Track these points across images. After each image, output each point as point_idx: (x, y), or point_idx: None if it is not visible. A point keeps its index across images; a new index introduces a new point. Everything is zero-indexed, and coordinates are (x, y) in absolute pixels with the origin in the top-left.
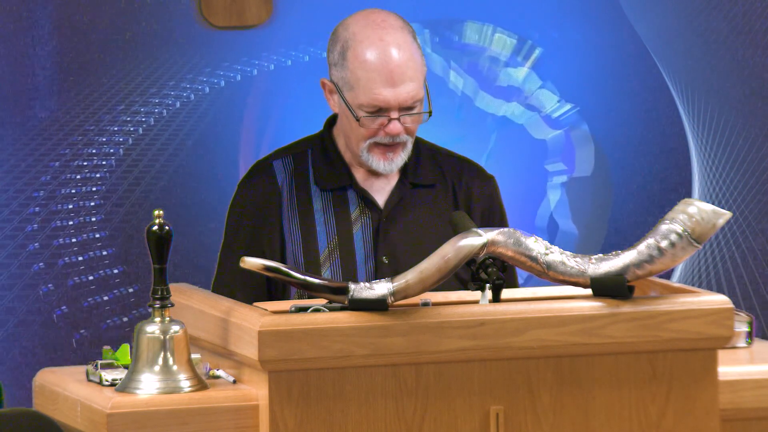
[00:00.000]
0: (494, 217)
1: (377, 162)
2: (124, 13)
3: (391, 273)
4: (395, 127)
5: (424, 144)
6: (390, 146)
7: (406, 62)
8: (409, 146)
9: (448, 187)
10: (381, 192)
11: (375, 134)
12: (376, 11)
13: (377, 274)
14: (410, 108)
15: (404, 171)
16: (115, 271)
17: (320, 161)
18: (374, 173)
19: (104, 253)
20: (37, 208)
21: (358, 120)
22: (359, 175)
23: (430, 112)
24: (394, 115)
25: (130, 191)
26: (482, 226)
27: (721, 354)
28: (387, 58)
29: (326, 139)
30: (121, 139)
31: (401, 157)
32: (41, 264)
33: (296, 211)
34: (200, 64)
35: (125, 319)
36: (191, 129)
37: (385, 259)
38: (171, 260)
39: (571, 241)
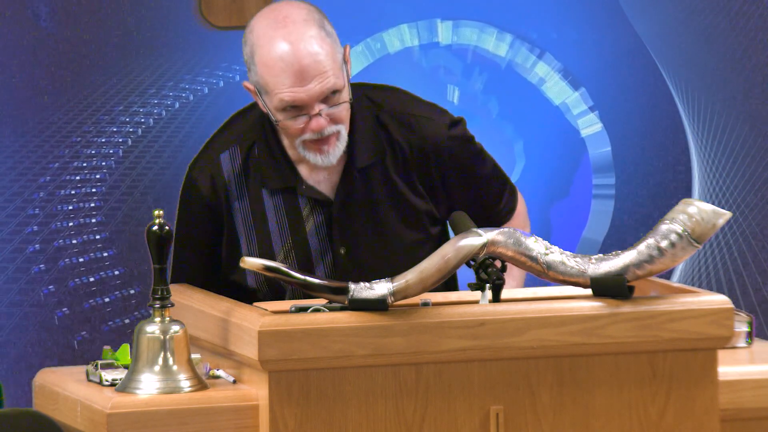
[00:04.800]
0: (476, 169)
1: (314, 157)
2: (124, 13)
3: (351, 263)
4: (317, 123)
5: (363, 111)
6: (322, 140)
7: (313, 57)
8: (344, 133)
9: (396, 150)
10: (328, 184)
11: (303, 132)
12: (279, 5)
13: (336, 267)
14: (329, 99)
15: (349, 157)
16: (116, 272)
17: (266, 161)
18: (318, 167)
19: (106, 257)
20: (36, 212)
21: (277, 123)
22: (304, 171)
23: (351, 98)
24: (314, 111)
25: (129, 192)
26: (467, 180)
27: (721, 354)
28: (291, 59)
29: (270, 136)
30: (121, 140)
31: (338, 147)
32: (42, 266)
33: (248, 210)
34: (200, 64)
35: (127, 321)
36: (191, 129)
37: (342, 251)
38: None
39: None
